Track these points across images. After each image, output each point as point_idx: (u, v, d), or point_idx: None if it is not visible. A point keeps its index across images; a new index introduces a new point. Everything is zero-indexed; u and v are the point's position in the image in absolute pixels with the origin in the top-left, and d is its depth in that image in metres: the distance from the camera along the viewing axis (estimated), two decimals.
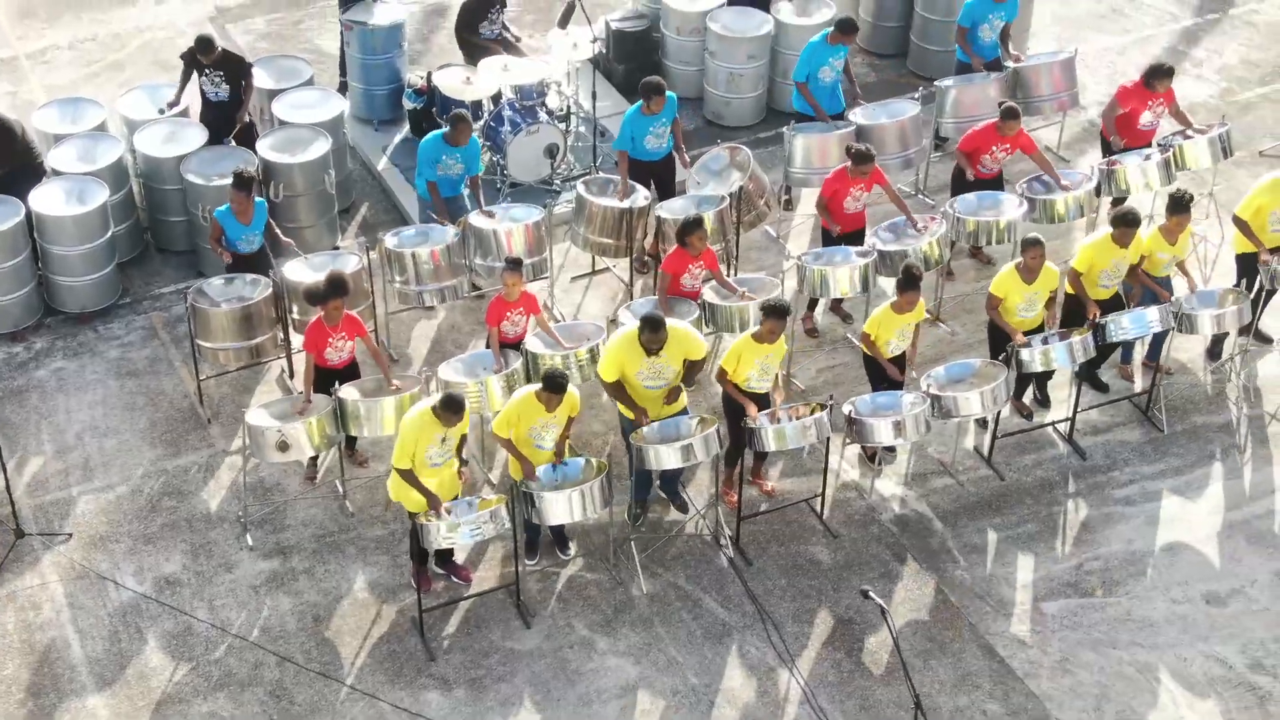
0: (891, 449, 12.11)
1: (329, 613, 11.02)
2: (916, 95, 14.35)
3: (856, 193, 12.66)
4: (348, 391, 11.34)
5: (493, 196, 14.01)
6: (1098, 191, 13.36)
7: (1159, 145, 13.60)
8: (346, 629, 10.93)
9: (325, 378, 11.39)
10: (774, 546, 11.50)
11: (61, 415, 12.48)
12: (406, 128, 15.17)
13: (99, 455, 12.14)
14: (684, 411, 11.27)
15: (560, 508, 10.63)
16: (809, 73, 13.94)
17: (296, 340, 12.17)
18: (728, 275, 12.50)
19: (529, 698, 10.51)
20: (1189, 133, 13.71)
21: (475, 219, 12.78)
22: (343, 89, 15.48)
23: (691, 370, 11.17)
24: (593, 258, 13.72)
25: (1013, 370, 11.69)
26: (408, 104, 14.97)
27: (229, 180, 12.42)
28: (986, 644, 10.85)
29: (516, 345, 11.78)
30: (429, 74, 14.85)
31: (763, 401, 11.24)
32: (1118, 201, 13.40)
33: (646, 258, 13.43)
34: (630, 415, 11.09)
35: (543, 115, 14.21)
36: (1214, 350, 13.02)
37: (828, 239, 12.92)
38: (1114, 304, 12.19)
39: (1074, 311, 12.17)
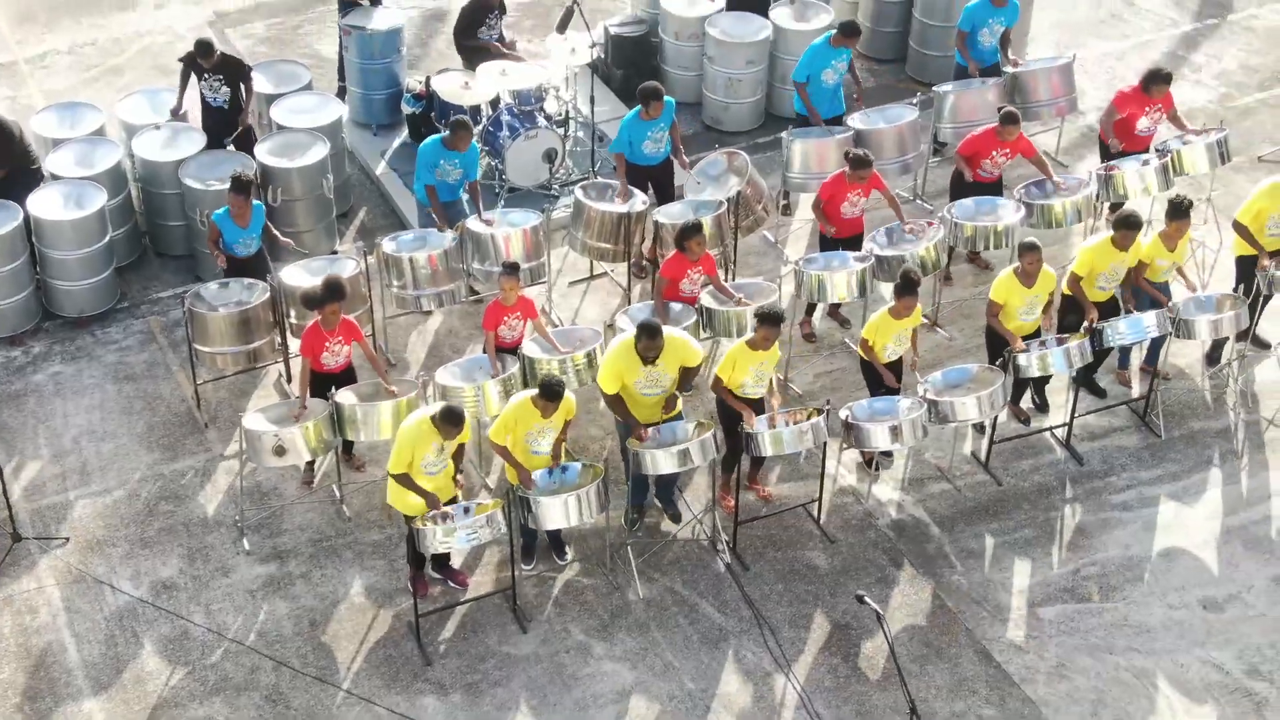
0: (889, 454, 12.10)
1: (325, 617, 11.02)
2: (915, 100, 14.36)
3: (854, 198, 12.67)
4: (345, 396, 11.35)
5: (491, 201, 14.01)
6: (1096, 197, 13.37)
7: (1157, 150, 13.60)
8: (343, 633, 10.93)
9: (322, 382, 11.40)
10: (771, 551, 11.50)
11: (59, 419, 12.49)
12: (405, 132, 15.18)
13: (96, 459, 12.15)
14: (679, 417, 11.27)
15: (557, 512, 10.62)
16: (810, 74, 13.96)
17: (294, 344, 12.17)
18: (725, 280, 12.50)
19: (525, 703, 10.51)
20: (1187, 138, 13.71)
21: (473, 224, 12.79)
22: (341, 94, 15.49)
23: (687, 376, 11.17)
24: (591, 262, 13.72)
25: (1010, 375, 11.69)
26: (406, 109, 14.98)
27: (227, 185, 12.42)
28: (983, 649, 10.84)
29: (514, 350, 11.78)
30: (427, 79, 14.87)
31: (758, 407, 11.24)
32: (1116, 206, 13.39)
33: (645, 262, 13.43)
34: (623, 420, 11.10)
35: (541, 120, 14.23)
36: (1213, 355, 13.02)
37: (825, 244, 12.93)
38: (1111, 307, 12.20)
39: (1071, 313, 12.17)
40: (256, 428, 11.17)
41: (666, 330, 10.95)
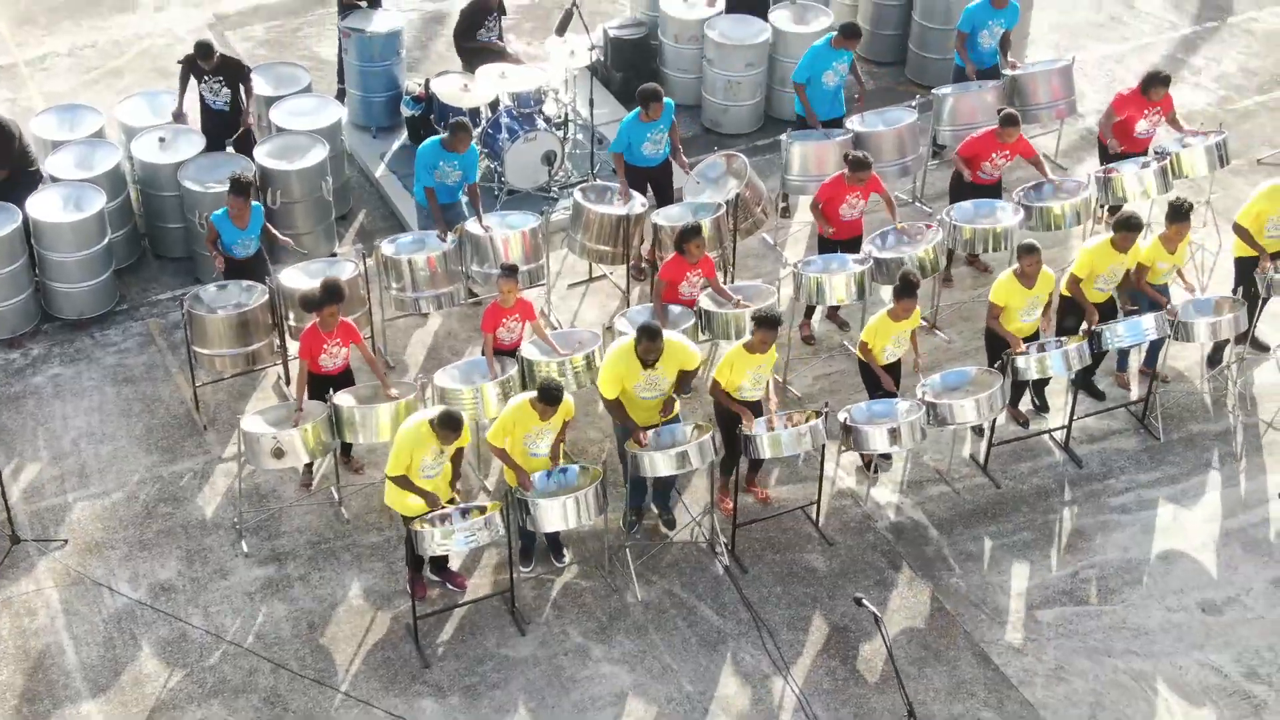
0: (887, 456, 12.10)
1: (324, 619, 11.02)
2: (914, 103, 14.36)
3: (852, 199, 12.67)
4: (343, 398, 11.35)
5: (490, 204, 14.01)
6: (1098, 203, 13.39)
7: (1156, 153, 13.60)
8: (341, 636, 10.92)
9: (320, 384, 11.41)
10: (769, 554, 11.50)
11: (58, 421, 12.49)
12: (404, 135, 15.19)
13: (95, 461, 12.15)
14: (676, 419, 11.26)
15: (555, 515, 10.62)
16: (810, 76, 13.97)
17: (293, 346, 12.17)
18: (724, 283, 12.50)
19: (523, 705, 10.50)
20: (1186, 140, 13.71)
21: (472, 227, 12.79)
22: (341, 96, 15.50)
23: (685, 380, 11.17)
24: (590, 265, 13.72)
25: (1008, 377, 11.69)
26: (405, 111, 14.99)
27: (226, 187, 12.42)
28: (981, 652, 10.84)
29: (512, 352, 11.78)
30: (427, 81, 14.87)
31: (756, 409, 11.24)
32: (1113, 209, 13.39)
33: (644, 264, 13.43)
34: (623, 425, 11.10)
35: (540, 123, 14.23)
36: (1214, 357, 13.01)
37: (824, 246, 12.93)
38: (1108, 308, 12.20)
39: (1070, 315, 12.18)
40: (255, 430, 11.17)
41: (665, 333, 10.95)
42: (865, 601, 9.26)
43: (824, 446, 11.36)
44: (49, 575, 11.28)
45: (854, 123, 14.07)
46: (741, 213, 13.18)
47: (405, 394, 11.45)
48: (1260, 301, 12.61)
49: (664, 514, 11.63)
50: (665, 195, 13.61)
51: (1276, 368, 13.01)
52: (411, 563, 10.83)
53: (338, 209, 14.26)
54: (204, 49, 13.66)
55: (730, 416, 11.17)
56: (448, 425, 10.23)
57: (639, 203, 13.13)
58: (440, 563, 11.18)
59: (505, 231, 12.78)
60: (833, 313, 13.39)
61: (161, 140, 13.78)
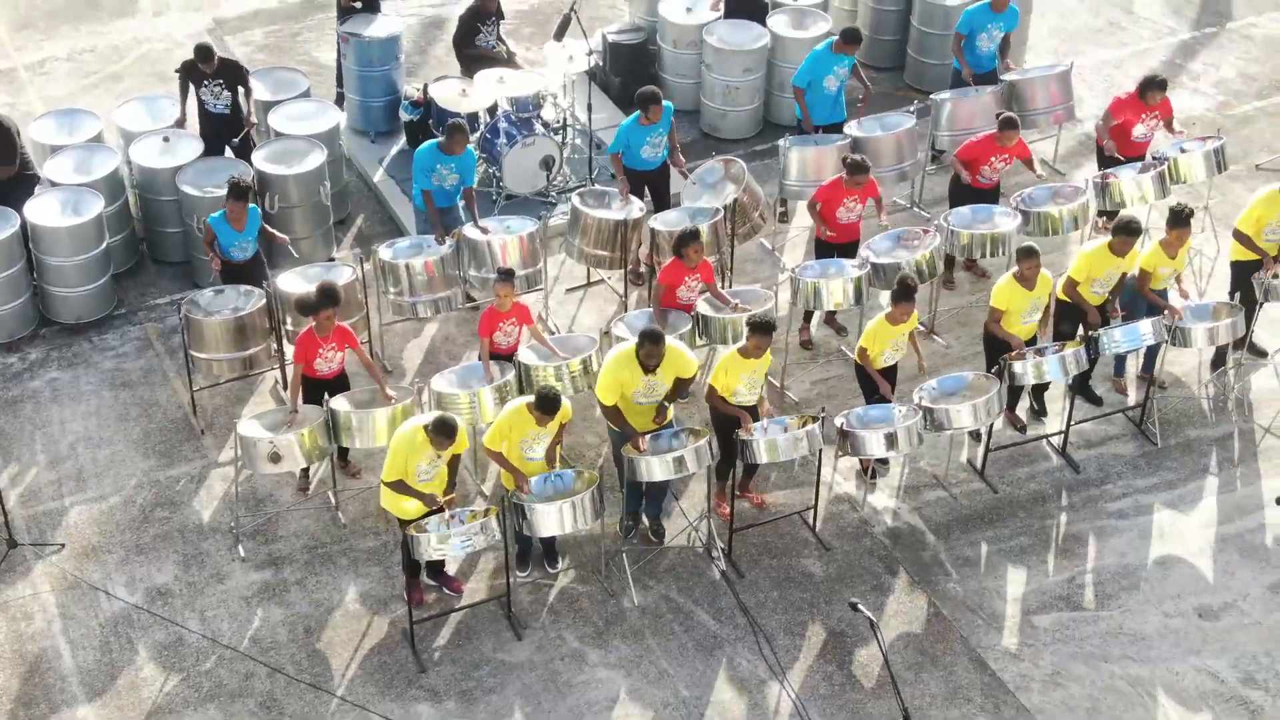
0: (884, 461, 12.10)
1: (320, 624, 11.01)
2: (912, 108, 14.36)
3: (850, 203, 12.68)
4: (340, 403, 11.36)
5: (488, 208, 14.02)
6: (1099, 212, 13.41)
7: (1154, 158, 13.60)
8: (338, 640, 10.92)
9: (314, 388, 11.42)
10: (766, 559, 11.49)
11: (55, 426, 12.50)
12: (403, 140, 15.19)
13: (92, 466, 12.15)
14: (670, 425, 11.26)
15: (551, 519, 10.62)
16: (811, 80, 13.98)
17: (290, 351, 12.17)
18: (722, 287, 12.50)
19: (520, 710, 10.50)
20: (1185, 145, 13.71)
21: (470, 230, 12.80)
22: (340, 101, 15.51)
23: (681, 387, 11.17)
24: (588, 270, 13.73)
25: (1005, 382, 11.69)
26: (404, 116, 14.99)
27: (224, 191, 12.42)
28: (978, 657, 10.83)
29: (510, 356, 11.78)
30: (425, 86, 14.88)
31: (751, 414, 11.22)
32: (1110, 214, 13.38)
33: (641, 269, 13.44)
34: (620, 431, 11.10)
35: (538, 127, 14.24)
36: (1217, 361, 13.01)
37: (821, 250, 12.94)
38: (1103, 311, 12.18)
39: (1066, 320, 12.17)
40: (252, 434, 11.17)
41: (666, 339, 10.95)
42: (861, 606, 9.26)
43: (821, 451, 11.36)
44: (45, 579, 11.28)
45: (852, 128, 14.08)
46: (739, 217, 13.18)
47: (402, 398, 11.46)
48: (1258, 306, 12.60)
49: (654, 525, 11.60)
50: (663, 199, 13.62)
51: (1274, 373, 13.00)
52: (408, 569, 10.81)
53: (336, 214, 14.27)
54: (204, 52, 13.66)
55: (727, 421, 11.17)
56: (442, 431, 10.23)
57: (637, 207, 13.13)
58: (437, 567, 11.18)
59: (503, 236, 12.79)
60: (830, 318, 13.40)
61: (166, 140, 13.78)
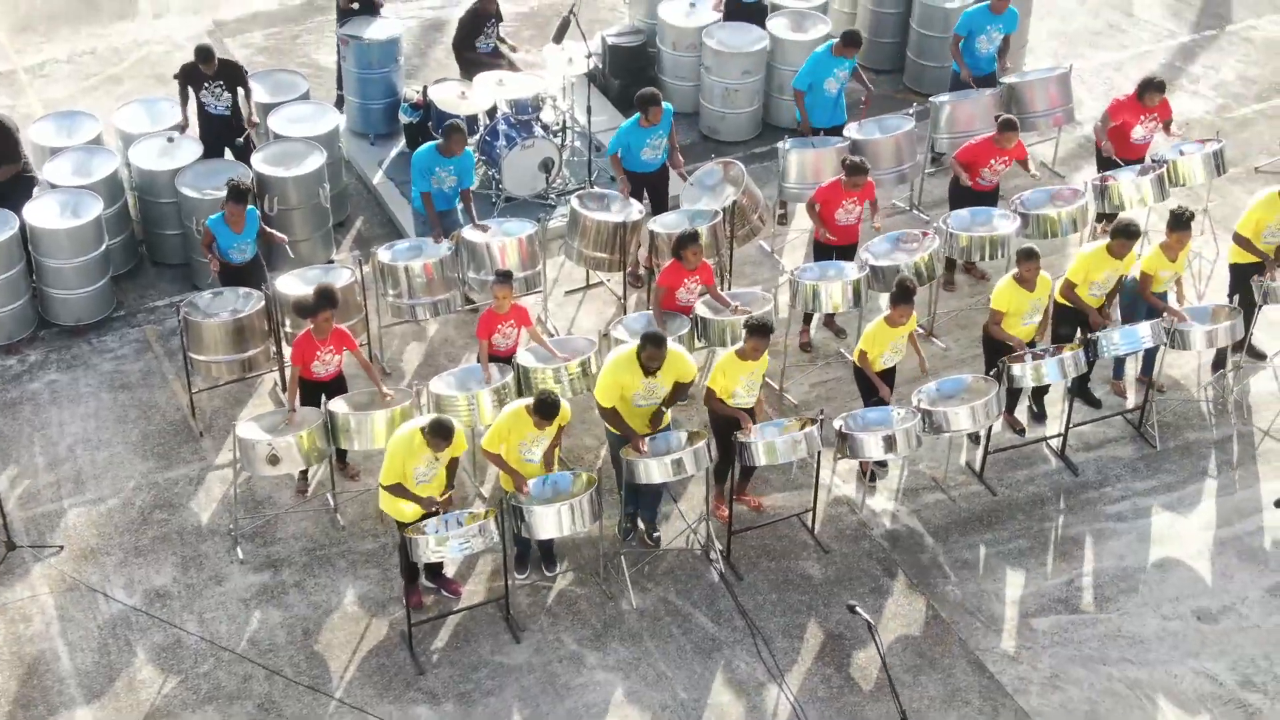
0: (883, 464, 12.10)
1: (318, 626, 11.01)
2: (911, 111, 14.36)
3: (849, 205, 12.68)
4: (338, 405, 11.36)
5: (487, 210, 14.02)
6: (1097, 217, 13.40)
7: (1153, 161, 13.60)
8: (336, 642, 10.92)
9: (312, 391, 11.43)
10: (765, 561, 11.49)
11: (54, 428, 12.50)
12: (402, 142, 15.19)
13: (91, 468, 12.15)
14: (668, 428, 11.25)
15: (550, 522, 10.61)
16: (812, 83, 13.99)
17: (289, 353, 12.17)
18: (721, 290, 12.50)
19: (518, 712, 10.49)
20: (1184, 148, 13.71)
21: (469, 233, 12.80)
22: (340, 103, 15.51)
23: (680, 391, 11.16)
24: (587, 272, 13.73)
25: (1004, 385, 11.69)
26: (403, 118, 14.99)
27: (223, 193, 12.42)
28: (976, 660, 10.83)
29: (508, 359, 11.78)
30: (425, 88, 14.88)
31: (749, 415, 11.22)
32: (1109, 216, 13.38)
33: (641, 271, 13.44)
34: (619, 433, 11.09)
35: (538, 130, 14.24)
36: (1218, 363, 13.01)
37: (820, 253, 12.94)
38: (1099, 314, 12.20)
39: (1064, 324, 12.16)
40: (250, 436, 11.17)
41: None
42: (859, 609, 9.25)
43: (819, 454, 11.36)
44: (44, 581, 11.28)
45: (852, 130, 14.09)
46: (738, 220, 13.19)
47: (401, 400, 11.46)
48: (1256, 309, 12.60)
49: (649, 529, 11.57)
50: (662, 202, 13.62)
51: (1273, 376, 13.00)
52: (406, 573, 10.82)
53: (335, 216, 14.27)
54: (204, 53, 13.65)
55: (725, 423, 11.17)
56: (438, 433, 10.22)
57: (636, 209, 13.13)
58: (435, 569, 11.18)
59: (502, 238, 12.79)
60: (829, 320, 13.40)
61: (170, 140, 13.78)
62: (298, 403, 11.38)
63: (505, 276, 11.65)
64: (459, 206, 13.16)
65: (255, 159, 13.68)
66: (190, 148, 13.84)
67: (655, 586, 11.31)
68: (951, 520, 11.83)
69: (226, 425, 12.29)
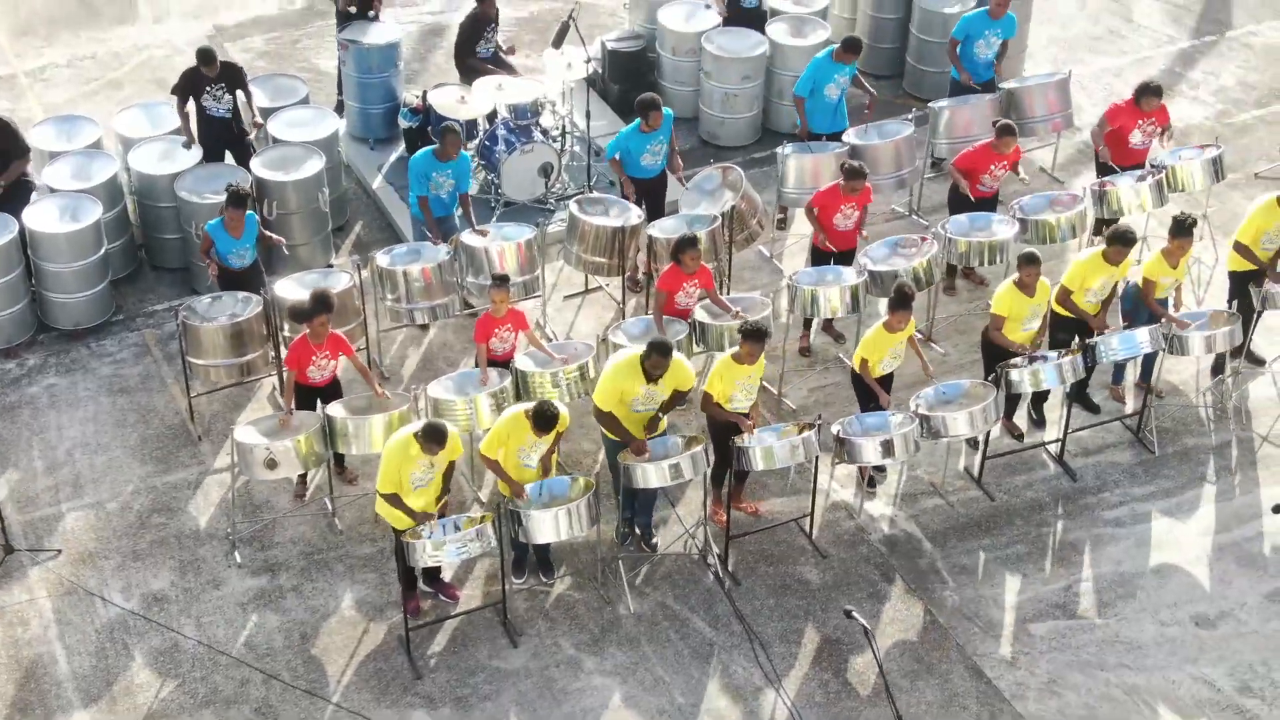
0: (881, 469, 12.10)
1: (316, 630, 11.01)
2: (910, 116, 14.36)
3: (847, 210, 12.69)
4: (336, 409, 11.36)
5: (486, 215, 14.02)
6: (1096, 226, 13.41)
7: (1152, 166, 13.60)
8: (333, 647, 10.92)
9: (307, 396, 11.43)
10: (762, 566, 11.49)
11: (53, 431, 12.50)
12: (402, 147, 15.18)
13: (89, 471, 12.15)
14: (664, 433, 11.24)
15: (547, 526, 10.61)
16: (813, 88, 13.99)
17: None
18: (721, 294, 12.50)
19: (515, 716, 10.49)
20: (1183, 155, 13.71)
21: (467, 237, 12.81)
22: (340, 108, 15.52)
23: (678, 399, 11.16)
24: (585, 277, 13.73)
25: (1002, 390, 11.68)
26: (403, 123, 14.98)
27: (223, 198, 12.43)
28: (974, 665, 10.82)
29: (506, 363, 11.78)
30: (424, 93, 14.88)
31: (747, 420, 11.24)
32: (1108, 222, 13.38)
33: (639, 276, 13.44)
34: (616, 438, 11.09)
35: (537, 134, 14.25)
36: (1217, 368, 13.00)
37: (818, 258, 12.95)
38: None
39: (1061, 330, 12.15)
40: (248, 440, 11.17)
41: None
42: (855, 614, 9.24)
43: (817, 459, 11.35)
44: (42, 585, 11.28)
45: (851, 136, 14.09)
46: (737, 225, 13.18)
47: (399, 404, 11.46)
48: (1255, 315, 12.59)
49: (646, 535, 11.57)
50: (658, 209, 13.60)
51: (1272, 381, 12.99)
52: (404, 578, 10.81)
53: (334, 220, 14.28)
54: (206, 55, 13.63)
55: (723, 428, 11.17)
56: (432, 437, 10.21)
57: (635, 214, 13.13)
58: (433, 574, 11.17)
59: (500, 243, 12.79)
60: (828, 325, 13.40)
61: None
62: (293, 406, 11.36)
63: (502, 280, 11.65)
64: (457, 212, 13.16)
65: (255, 163, 13.68)
66: (189, 152, 13.83)
67: (653, 591, 11.30)
68: (949, 525, 11.82)
69: (225, 429, 12.30)
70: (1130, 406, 12.74)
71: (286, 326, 12.26)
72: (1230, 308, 12.60)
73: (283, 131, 14.15)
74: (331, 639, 10.96)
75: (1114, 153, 13.62)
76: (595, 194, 13.85)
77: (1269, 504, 11.85)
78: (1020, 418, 12.60)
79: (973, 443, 12.24)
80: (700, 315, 12.13)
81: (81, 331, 13.39)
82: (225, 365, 12.19)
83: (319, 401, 11.45)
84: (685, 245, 11.93)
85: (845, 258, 12.84)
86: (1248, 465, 12.31)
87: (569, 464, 12.00)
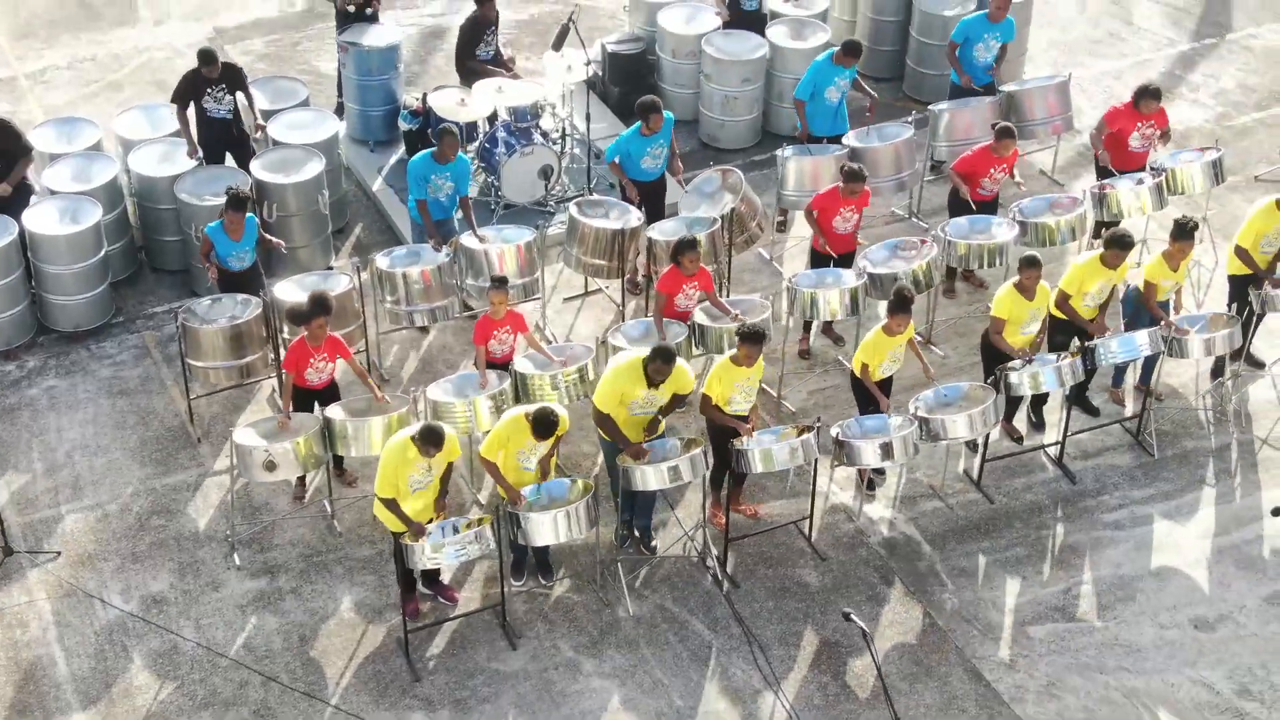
0: (881, 471, 12.09)
1: (315, 632, 11.01)
2: (910, 119, 14.37)
3: (846, 213, 12.69)
4: (335, 411, 11.36)
5: (486, 217, 14.03)
6: (1096, 229, 13.41)
7: (1152, 169, 13.60)
8: (332, 649, 10.92)
9: (304, 398, 11.43)
10: (761, 569, 11.48)
11: (52, 433, 12.51)
12: (402, 149, 15.19)
13: (89, 473, 12.16)
14: (662, 436, 11.24)
15: (546, 529, 10.61)
16: (814, 91, 13.99)
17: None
18: (721, 297, 12.50)
19: (514, 719, 10.48)
20: (1183, 158, 13.70)
21: (467, 239, 12.81)
22: (341, 110, 15.53)
23: (677, 402, 11.16)
24: (585, 279, 13.73)
25: (1002, 393, 11.68)
26: (403, 125, 14.99)
27: (223, 200, 12.43)
28: (973, 668, 10.82)
29: (505, 365, 11.79)
30: (424, 95, 14.89)
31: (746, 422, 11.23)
32: (1109, 224, 13.38)
33: (639, 278, 13.44)
34: (611, 439, 11.09)
35: (537, 137, 14.25)
36: (1217, 371, 13.00)
37: (817, 260, 12.95)
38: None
39: (1060, 333, 12.15)
40: (247, 442, 11.17)
41: None
42: (854, 617, 9.24)
43: (816, 461, 11.35)
44: (41, 587, 11.28)
45: (850, 138, 14.09)
46: (737, 227, 13.18)
47: (398, 406, 11.46)
48: (1255, 318, 12.59)
49: (645, 538, 11.57)
50: (657, 212, 13.59)
51: (1271, 384, 12.99)
52: (403, 581, 10.81)
53: (335, 223, 14.29)
54: (208, 56, 13.62)
55: (722, 430, 11.17)
56: (429, 440, 10.21)
57: (634, 217, 13.13)
58: (432, 576, 11.17)
59: (500, 245, 12.80)
60: (828, 328, 13.40)
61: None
62: (291, 408, 11.37)
63: (501, 282, 11.65)
64: (457, 215, 13.16)
65: (254, 165, 13.68)
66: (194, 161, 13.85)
67: (652, 594, 11.30)
68: (949, 528, 11.82)
69: (224, 431, 12.30)
70: (1130, 409, 12.73)
71: (286, 329, 12.27)
72: (1230, 311, 12.59)
73: (283, 134, 14.16)
74: (330, 641, 10.96)
75: (1113, 156, 13.63)
76: (595, 196, 13.85)
77: (1269, 507, 11.84)
78: (1020, 420, 12.60)
79: (972, 445, 12.24)
80: (700, 317, 12.13)
81: (81, 333, 13.39)
82: (225, 367, 12.20)
83: (316, 404, 11.45)
84: (685, 247, 11.94)
85: (845, 261, 12.83)
86: (1247, 468, 12.31)
87: (568, 466, 12.00)
